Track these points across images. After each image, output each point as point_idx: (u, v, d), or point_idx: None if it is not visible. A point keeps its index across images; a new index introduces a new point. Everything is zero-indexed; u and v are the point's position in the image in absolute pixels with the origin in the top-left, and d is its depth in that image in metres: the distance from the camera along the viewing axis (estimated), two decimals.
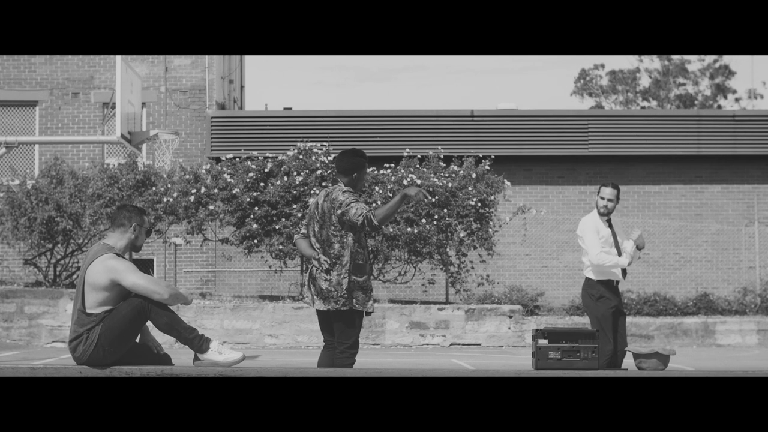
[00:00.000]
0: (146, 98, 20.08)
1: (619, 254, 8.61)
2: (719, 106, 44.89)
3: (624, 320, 8.60)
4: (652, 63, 45.97)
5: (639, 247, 8.67)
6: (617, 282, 8.59)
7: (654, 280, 20.97)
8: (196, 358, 6.50)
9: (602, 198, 8.60)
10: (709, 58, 45.40)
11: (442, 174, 17.04)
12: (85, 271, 6.47)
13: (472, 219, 16.79)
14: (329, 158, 16.78)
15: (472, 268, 17.33)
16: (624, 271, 8.61)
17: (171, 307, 6.50)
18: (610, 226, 8.63)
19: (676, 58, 45.15)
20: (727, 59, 45.40)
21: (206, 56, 21.16)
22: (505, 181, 17.33)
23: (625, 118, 22.53)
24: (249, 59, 34.46)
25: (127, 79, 15.33)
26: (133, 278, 6.39)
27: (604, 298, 8.45)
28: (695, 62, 45.65)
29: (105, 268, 6.41)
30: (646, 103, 45.87)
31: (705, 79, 45.76)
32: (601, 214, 8.61)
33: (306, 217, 7.35)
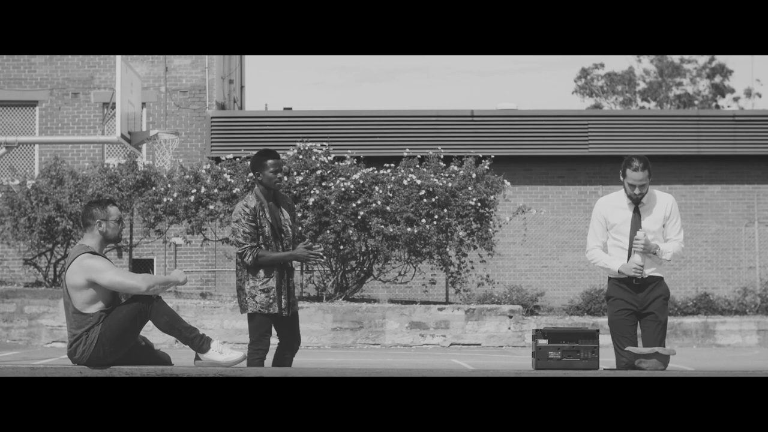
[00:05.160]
0: (146, 98, 20.07)
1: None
2: (717, 106, 44.86)
3: (654, 325, 7.02)
4: (651, 63, 45.95)
5: (651, 253, 6.94)
6: (637, 280, 6.99)
7: None
8: (196, 358, 6.50)
9: (631, 185, 6.90)
10: (704, 58, 45.35)
11: (442, 174, 17.03)
12: (65, 275, 6.48)
13: (472, 219, 16.78)
14: (329, 158, 16.79)
15: (472, 268, 17.32)
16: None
17: (170, 305, 6.50)
18: (637, 209, 6.98)
19: (669, 57, 45.08)
20: (722, 58, 45.35)
21: (206, 56, 21.16)
22: (505, 181, 17.32)
23: (624, 118, 22.54)
24: (249, 59, 34.41)
25: (127, 79, 15.34)
26: (108, 276, 6.37)
27: (612, 299, 7.10)
28: (690, 62, 45.59)
29: (80, 268, 6.40)
30: (645, 104, 45.86)
31: (704, 79, 45.73)
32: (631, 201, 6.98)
33: None
